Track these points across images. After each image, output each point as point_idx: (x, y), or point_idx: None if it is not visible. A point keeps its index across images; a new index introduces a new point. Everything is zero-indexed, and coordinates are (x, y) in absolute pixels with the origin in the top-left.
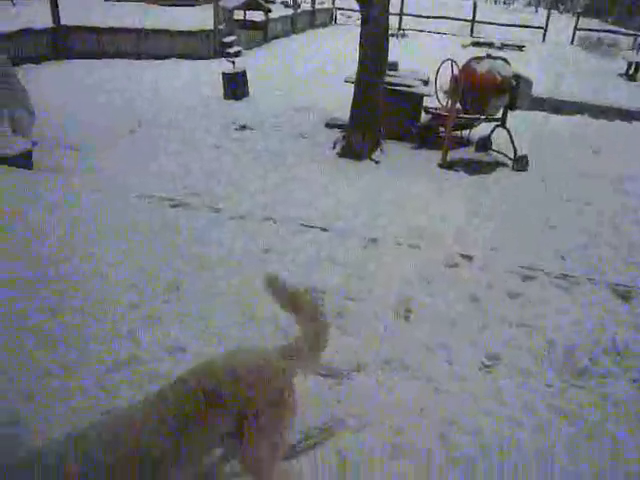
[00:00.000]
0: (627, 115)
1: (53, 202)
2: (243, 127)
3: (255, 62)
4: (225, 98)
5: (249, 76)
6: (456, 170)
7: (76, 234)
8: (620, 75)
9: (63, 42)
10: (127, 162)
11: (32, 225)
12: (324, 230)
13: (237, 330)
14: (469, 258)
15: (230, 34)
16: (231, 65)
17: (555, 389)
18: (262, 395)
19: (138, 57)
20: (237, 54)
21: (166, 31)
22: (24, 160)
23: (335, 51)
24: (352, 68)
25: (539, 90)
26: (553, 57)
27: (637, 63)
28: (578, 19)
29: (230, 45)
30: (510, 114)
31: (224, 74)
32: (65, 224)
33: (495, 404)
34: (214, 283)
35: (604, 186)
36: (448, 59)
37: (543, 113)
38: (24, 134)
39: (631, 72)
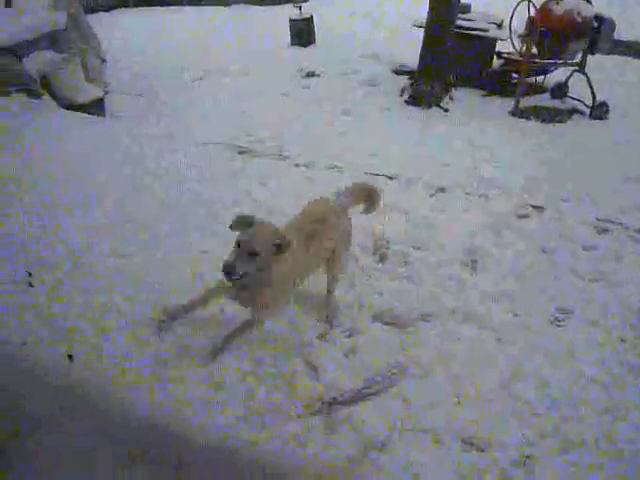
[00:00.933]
0: None
1: (123, 148)
2: (310, 74)
3: (321, 8)
4: (292, 45)
5: (315, 22)
6: (529, 118)
7: (145, 179)
8: None
9: None
10: (194, 109)
11: (104, 171)
12: (390, 178)
13: None
14: (540, 209)
15: None
16: (298, 11)
17: (628, 344)
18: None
19: (205, 3)
20: None
21: None
22: (96, 107)
23: None
24: (422, 12)
25: (623, 32)
26: None
27: None
28: None
29: None
30: (590, 58)
31: (291, 20)
32: (136, 169)
33: (564, 358)
34: None
35: None
36: None
37: (627, 57)
38: (96, 81)
39: None
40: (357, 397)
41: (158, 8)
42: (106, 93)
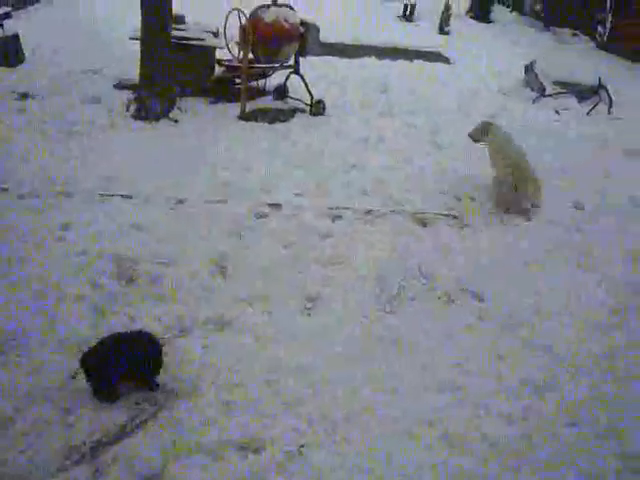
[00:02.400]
0: (408, 54)
1: None
2: (24, 96)
3: (31, 23)
4: None
5: (26, 39)
6: (257, 120)
7: None
8: (399, 17)
9: None
10: None
11: None
12: (127, 197)
13: None
14: (277, 206)
15: None
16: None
17: (373, 318)
18: None
19: None
20: (6, 15)
21: None
22: None
23: (122, 5)
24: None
25: (327, 35)
26: (339, 2)
27: (411, 5)
28: None
29: None
30: (303, 60)
31: None
32: None
33: (320, 343)
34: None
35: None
36: (235, 9)
37: (333, 57)
38: None
39: (407, 14)
40: (124, 432)
41: None
42: None
